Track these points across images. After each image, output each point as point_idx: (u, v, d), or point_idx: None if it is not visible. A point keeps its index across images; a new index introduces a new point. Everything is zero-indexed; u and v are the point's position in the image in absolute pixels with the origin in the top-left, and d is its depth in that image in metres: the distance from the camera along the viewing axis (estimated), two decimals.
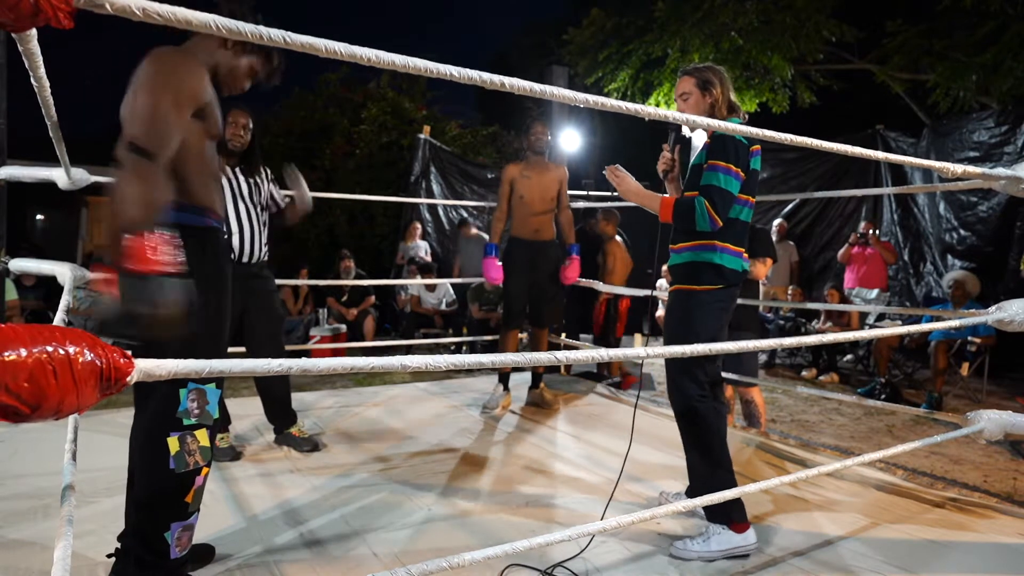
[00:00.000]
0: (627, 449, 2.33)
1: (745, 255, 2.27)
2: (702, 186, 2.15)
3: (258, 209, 3.03)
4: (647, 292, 4.65)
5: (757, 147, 2.21)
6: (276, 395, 3.12)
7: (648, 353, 1.41)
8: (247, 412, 3.63)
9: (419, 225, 8.52)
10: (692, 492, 2.34)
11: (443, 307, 7.43)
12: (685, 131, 2.43)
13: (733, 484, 2.14)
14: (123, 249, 1.38)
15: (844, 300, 6.44)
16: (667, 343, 2.27)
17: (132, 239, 1.38)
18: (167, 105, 1.52)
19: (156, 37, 1.67)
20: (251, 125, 2.99)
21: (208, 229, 1.71)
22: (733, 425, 3.69)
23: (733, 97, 2.30)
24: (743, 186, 2.18)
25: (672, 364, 2.28)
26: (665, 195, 2.29)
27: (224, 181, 2.91)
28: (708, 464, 2.21)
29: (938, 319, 4.85)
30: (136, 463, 1.69)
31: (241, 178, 2.98)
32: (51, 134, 1.99)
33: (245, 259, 2.96)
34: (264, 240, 3.06)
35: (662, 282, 8.73)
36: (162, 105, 1.51)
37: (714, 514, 2.14)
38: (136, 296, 1.36)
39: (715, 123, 1.54)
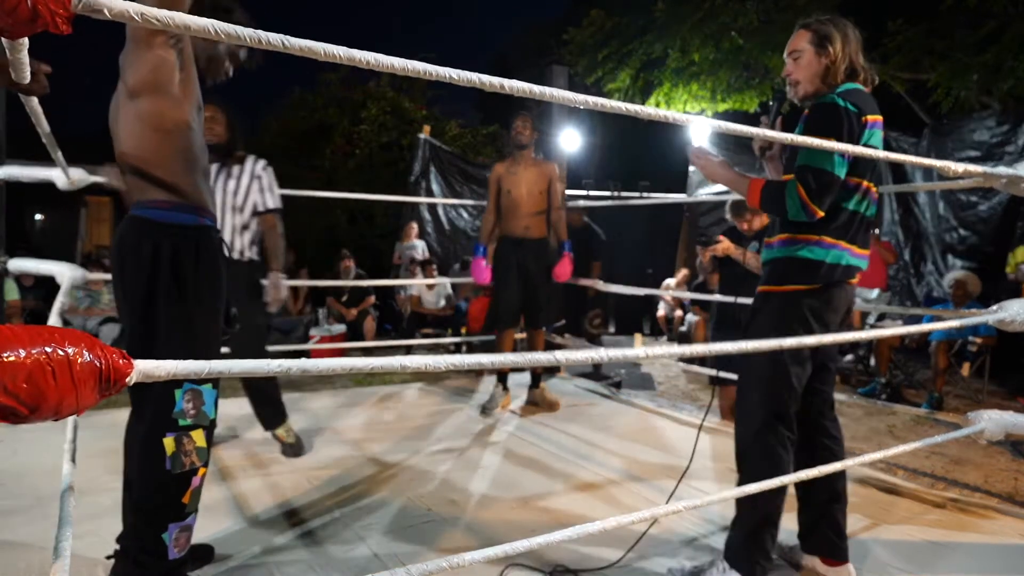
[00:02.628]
0: (687, 465, 2.21)
1: (856, 250, 1.89)
2: (796, 167, 1.80)
3: (225, 207, 2.87)
4: (646, 291, 4.66)
5: (874, 117, 1.81)
6: (265, 394, 3.05)
7: (648, 353, 1.41)
8: (246, 412, 3.62)
9: (415, 225, 8.52)
10: (730, 533, 1.97)
11: (443, 306, 7.43)
12: (792, 98, 2.01)
13: (771, 542, 1.89)
14: None
15: None
16: (743, 358, 1.98)
17: None
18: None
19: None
20: (224, 118, 2.81)
21: (202, 228, 1.70)
22: None
23: (859, 59, 1.89)
24: (853, 167, 1.80)
25: (739, 386, 1.99)
26: (756, 176, 1.98)
27: None
28: (751, 512, 1.89)
29: (938, 319, 4.85)
30: (132, 464, 1.68)
31: (212, 174, 2.82)
32: (44, 141, 1.98)
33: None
34: (231, 241, 2.86)
35: (670, 280, 8.75)
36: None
37: (735, 559, 1.89)
38: None
39: (745, 129, 1.51)
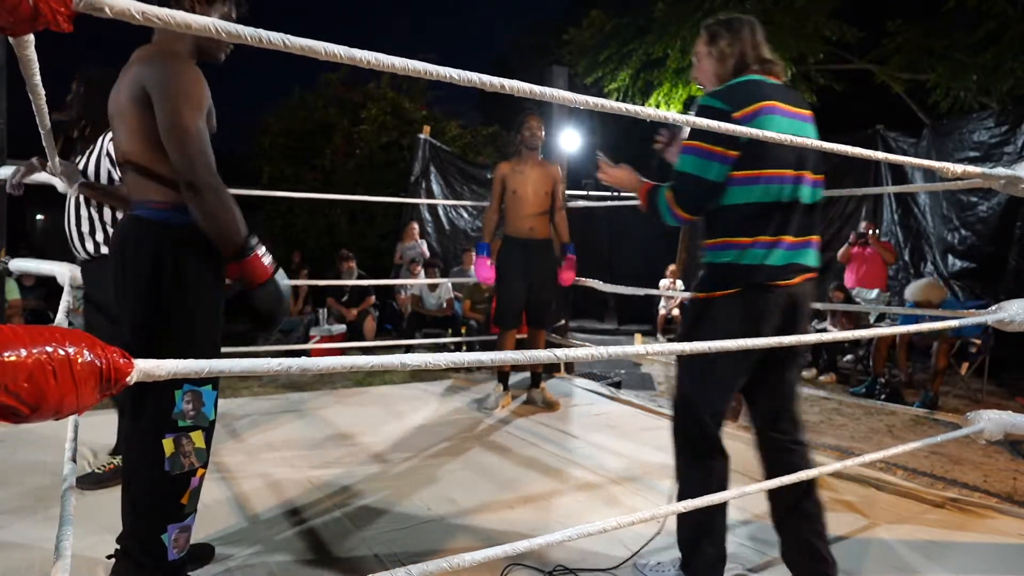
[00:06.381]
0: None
1: (789, 240, 1.76)
2: (673, 172, 1.82)
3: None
4: (648, 291, 4.66)
5: (757, 105, 1.72)
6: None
7: (648, 351, 1.41)
8: (246, 412, 3.64)
9: (416, 225, 8.52)
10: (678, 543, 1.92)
11: (444, 307, 7.43)
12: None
13: (718, 561, 1.84)
14: (246, 267, 1.61)
15: (849, 300, 6.44)
16: (679, 362, 1.93)
17: (247, 261, 1.61)
18: (199, 120, 1.57)
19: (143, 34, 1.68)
20: (82, 88, 2.49)
21: None
22: (740, 427, 3.68)
23: (759, 51, 1.84)
24: (747, 158, 1.72)
25: (677, 388, 1.93)
26: (648, 181, 1.97)
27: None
28: (692, 523, 1.85)
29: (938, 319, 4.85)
30: (131, 465, 1.68)
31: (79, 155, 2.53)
32: (44, 142, 1.98)
33: (76, 255, 2.57)
34: (86, 229, 2.52)
35: (664, 282, 8.75)
36: (196, 123, 1.56)
37: (685, 569, 1.88)
38: (273, 299, 1.65)
39: (746, 130, 1.53)
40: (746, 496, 1.67)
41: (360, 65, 0.99)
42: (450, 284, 7.36)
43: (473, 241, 7.71)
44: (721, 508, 1.84)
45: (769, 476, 1.83)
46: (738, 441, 3.37)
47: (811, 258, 1.83)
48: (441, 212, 9.05)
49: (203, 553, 1.97)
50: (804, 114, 1.85)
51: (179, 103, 1.54)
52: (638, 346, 1.35)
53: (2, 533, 2.10)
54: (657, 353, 1.41)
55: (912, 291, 5.52)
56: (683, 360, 1.89)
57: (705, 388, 1.83)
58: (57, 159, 2.16)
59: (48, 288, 7.06)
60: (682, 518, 1.88)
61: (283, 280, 1.69)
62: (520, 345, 4.62)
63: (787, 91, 1.85)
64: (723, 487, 1.83)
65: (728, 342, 1.50)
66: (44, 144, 2.02)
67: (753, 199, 1.75)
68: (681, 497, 1.83)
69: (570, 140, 5.75)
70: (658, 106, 9.11)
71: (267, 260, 1.65)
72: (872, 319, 6.48)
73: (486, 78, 1.11)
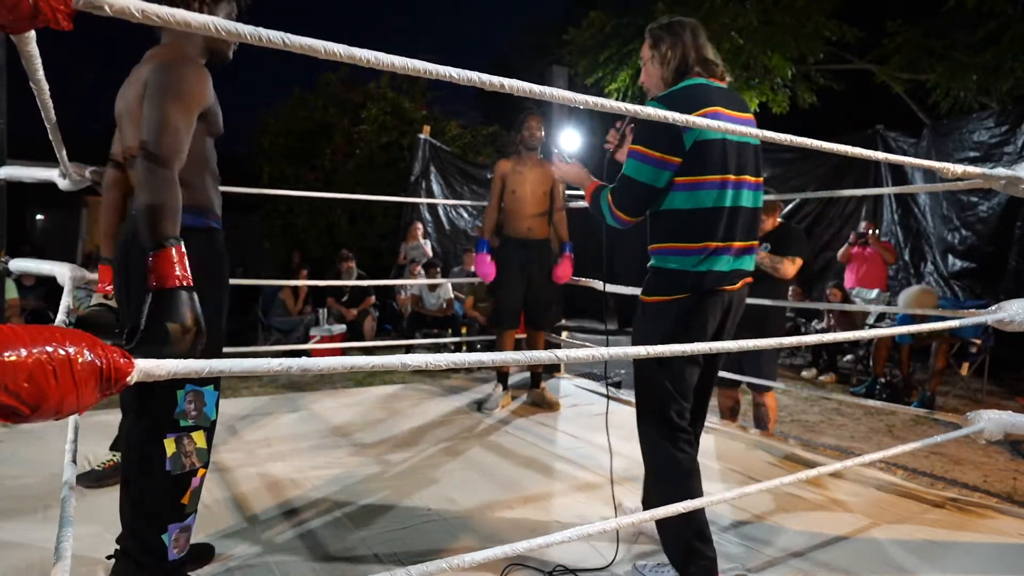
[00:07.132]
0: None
1: (737, 245, 1.82)
2: (619, 175, 1.86)
3: None
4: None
5: (701, 112, 1.74)
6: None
7: (648, 352, 1.41)
8: (246, 411, 3.63)
9: (420, 225, 8.53)
10: (664, 546, 1.91)
11: (444, 307, 7.43)
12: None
13: (714, 561, 1.82)
14: (152, 263, 1.42)
15: (846, 299, 6.44)
16: (636, 366, 1.96)
17: (161, 253, 1.43)
18: (181, 116, 1.54)
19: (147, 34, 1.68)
20: None
21: (208, 230, 1.71)
22: (739, 427, 3.68)
23: (702, 53, 1.86)
24: (690, 165, 1.76)
25: (641, 392, 1.96)
26: (595, 180, 2.00)
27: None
28: (677, 529, 1.83)
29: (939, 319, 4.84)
30: (131, 465, 1.68)
31: None
32: (50, 136, 1.99)
33: None
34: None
35: None
36: (176, 116, 1.53)
37: (674, 562, 1.86)
38: (164, 312, 1.41)
39: (745, 130, 1.53)
40: (746, 496, 1.67)
41: (360, 64, 0.99)
42: (450, 284, 7.36)
43: (473, 241, 7.72)
44: (701, 514, 1.86)
45: None
46: (738, 441, 3.38)
47: (752, 263, 1.92)
48: (441, 212, 9.05)
49: (203, 553, 1.97)
50: (747, 118, 1.89)
51: (165, 98, 1.53)
52: (639, 347, 1.35)
53: (2, 533, 2.10)
54: (658, 354, 1.41)
55: (905, 300, 5.54)
56: (641, 364, 1.92)
57: (670, 387, 1.86)
58: (64, 153, 2.17)
59: (48, 288, 7.05)
60: (665, 521, 1.83)
61: (190, 306, 1.44)
62: (520, 345, 4.62)
63: (730, 95, 1.89)
64: (700, 484, 1.87)
65: (730, 343, 1.50)
66: (51, 138, 2.03)
67: (696, 204, 1.79)
68: (660, 495, 1.85)
69: (570, 140, 5.74)
70: None
71: (179, 270, 1.43)
72: (872, 319, 6.48)
73: (486, 78, 1.11)
